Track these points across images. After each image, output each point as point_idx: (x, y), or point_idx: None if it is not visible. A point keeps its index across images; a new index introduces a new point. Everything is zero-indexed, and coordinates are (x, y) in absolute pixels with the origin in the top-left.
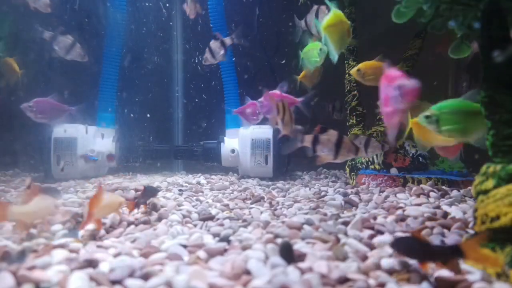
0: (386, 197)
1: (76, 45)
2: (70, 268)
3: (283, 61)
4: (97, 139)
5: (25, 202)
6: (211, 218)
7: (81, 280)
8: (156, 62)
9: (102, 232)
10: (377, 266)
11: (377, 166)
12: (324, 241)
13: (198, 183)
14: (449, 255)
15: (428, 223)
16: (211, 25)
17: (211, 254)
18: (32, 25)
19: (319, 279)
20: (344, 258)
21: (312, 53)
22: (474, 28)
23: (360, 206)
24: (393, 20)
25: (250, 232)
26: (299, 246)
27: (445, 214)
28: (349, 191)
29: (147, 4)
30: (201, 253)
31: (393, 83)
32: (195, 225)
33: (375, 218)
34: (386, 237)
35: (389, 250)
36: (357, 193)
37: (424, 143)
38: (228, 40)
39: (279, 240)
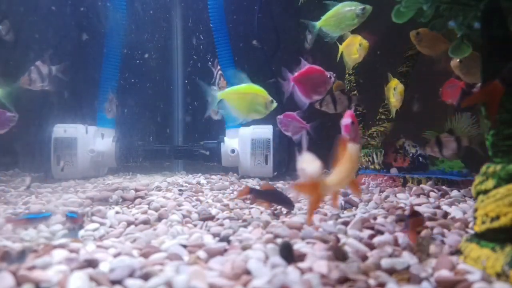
0: (386, 197)
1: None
2: (70, 268)
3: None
4: (97, 139)
5: None
6: (211, 218)
7: (81, 280)
8: (156, 61)
9: (102, 230)
10: (377, 266)
11: (377, 166)
12: (324, 241)
13: (198, 183)
14: None
15: (428, 223)
16: (211, 25)
17: (211, 254)
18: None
19: (319, 279)
20: (344, 258)
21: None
22: (474, 28)
23: (360, 206)
24: (393, 20)
25: (250, 232)
26: (299, 246)
27: (445, 214)
28: (349, 191)
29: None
30: (201, 253)
31: None
32: (195, 225)
33: (375, 218)
34: (386, 237)
35: (389, 250)
36: None
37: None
38: None
39: (279, 240)
